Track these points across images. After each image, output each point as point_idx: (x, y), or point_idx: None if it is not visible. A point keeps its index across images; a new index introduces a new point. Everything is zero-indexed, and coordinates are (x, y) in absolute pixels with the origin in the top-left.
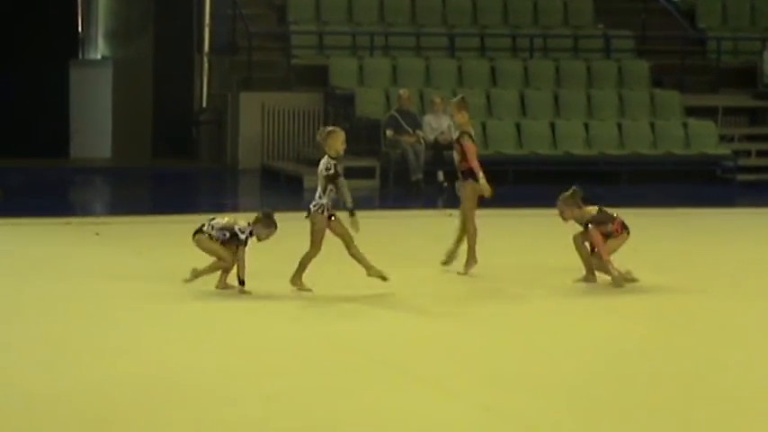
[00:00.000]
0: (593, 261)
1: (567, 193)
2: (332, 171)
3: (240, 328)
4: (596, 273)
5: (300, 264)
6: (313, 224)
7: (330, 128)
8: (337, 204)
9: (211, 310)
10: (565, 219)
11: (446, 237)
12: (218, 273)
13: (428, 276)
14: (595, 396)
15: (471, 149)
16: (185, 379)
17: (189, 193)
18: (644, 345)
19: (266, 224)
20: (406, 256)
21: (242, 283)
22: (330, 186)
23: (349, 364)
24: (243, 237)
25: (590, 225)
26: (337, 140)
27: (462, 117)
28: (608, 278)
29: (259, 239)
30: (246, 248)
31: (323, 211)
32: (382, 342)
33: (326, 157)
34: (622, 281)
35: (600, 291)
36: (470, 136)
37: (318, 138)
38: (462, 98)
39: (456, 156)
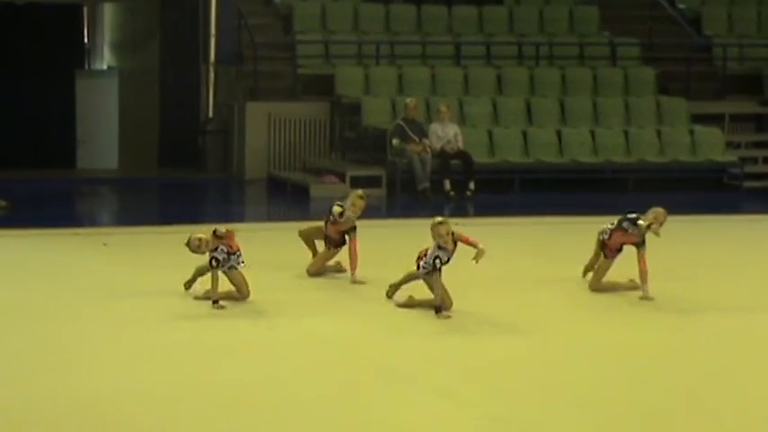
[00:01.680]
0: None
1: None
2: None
3: (246, 338)
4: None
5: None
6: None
7: (439, 219)
8: None
9: (217, 321)
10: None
11: None
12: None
13: None
14: (605, 407)
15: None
16: (191, 388)
17: (195, 203)
18: (653, 355)
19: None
20: (412, 264)
21: (215, 301)
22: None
23: (355, 374)
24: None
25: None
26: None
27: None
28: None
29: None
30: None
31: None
32: (388, 351)
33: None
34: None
35: (609, 301)
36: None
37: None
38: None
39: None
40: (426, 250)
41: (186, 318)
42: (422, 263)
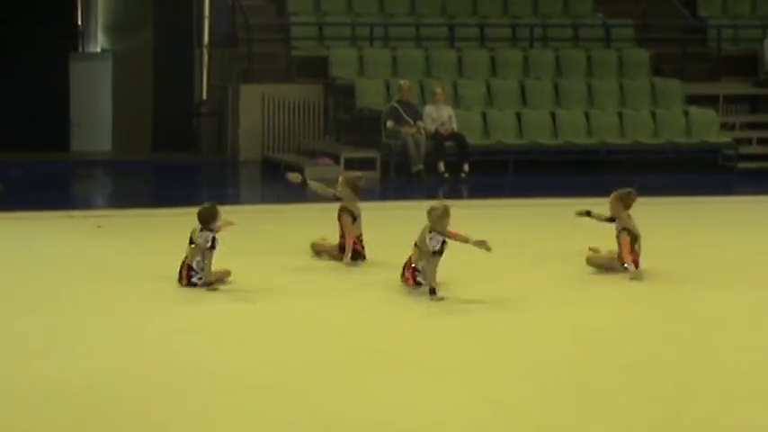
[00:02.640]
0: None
1: (624, 191)
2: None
3: (239, 321)
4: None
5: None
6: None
7: (440, 204)
8: None
9: (211, 304)
10: (611, 212)
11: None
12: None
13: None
14: (596, 386)
15: None
16: (183, 371)
17: (189, 185)
18: (645, 334)
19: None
20: (406, 246)
21: (210, 283)
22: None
23: (347, 356)
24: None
25: (624, 231)
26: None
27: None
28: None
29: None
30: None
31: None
32: (381, 333)
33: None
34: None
35: (601, 280)
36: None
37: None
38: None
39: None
40: (411, 258)
41: (178, 301)
42: (431, 243)
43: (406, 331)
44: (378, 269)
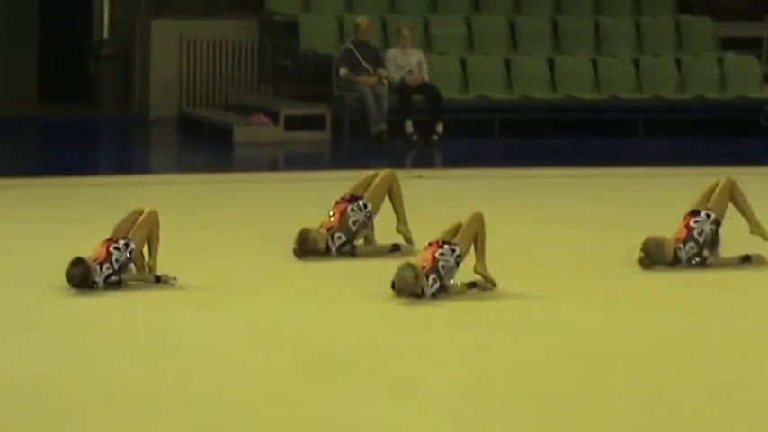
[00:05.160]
0: None
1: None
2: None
3: (154, 322)
4: None
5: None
6: None
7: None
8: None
9: (113, 300)
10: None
11: (417, 205)
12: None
13: (395, 259)
14: (592, 405)
15: None
16: (82, 382)
17: (87, 148)
18: (648, 342)
19: None
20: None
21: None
22: None
23: (302, 366)
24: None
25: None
26: None
27: None
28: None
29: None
30: None
31: None
32: (342, 339)
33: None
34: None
35: (603, 273)
36: None
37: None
38: None
39: None
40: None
41: (69, 295)
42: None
43: (370, 337)
44: (330, 259)
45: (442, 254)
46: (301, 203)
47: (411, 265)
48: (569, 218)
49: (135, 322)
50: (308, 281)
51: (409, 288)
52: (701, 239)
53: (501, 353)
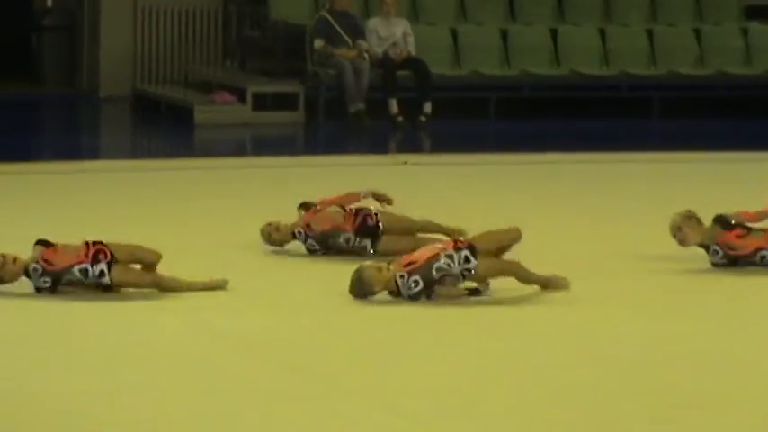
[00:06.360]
0: None
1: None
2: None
3: (101, 330)
4: None
5: None
6: None
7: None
8: None
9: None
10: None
11: (402, 196)
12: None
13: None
14: (592, 408)
15: None
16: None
17: (27, 130)
18: (657, 348)
19: None
20: None
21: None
22: None
23: (265, 379)
24: None
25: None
26: None
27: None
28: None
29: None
30: None
31: None
32: (309, 347)
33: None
34: None
35: (603, 273)
36: None
37: None
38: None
39: None
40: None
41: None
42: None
43: (342, 345)
44: (302, 256)
45: (449, 255)
46: (271, 194)
47: (365, 268)
48: (574, 209)
49: (91, 330)
50: (278, 282)
51: (361, 292)
52: None
53: (499, 360)
